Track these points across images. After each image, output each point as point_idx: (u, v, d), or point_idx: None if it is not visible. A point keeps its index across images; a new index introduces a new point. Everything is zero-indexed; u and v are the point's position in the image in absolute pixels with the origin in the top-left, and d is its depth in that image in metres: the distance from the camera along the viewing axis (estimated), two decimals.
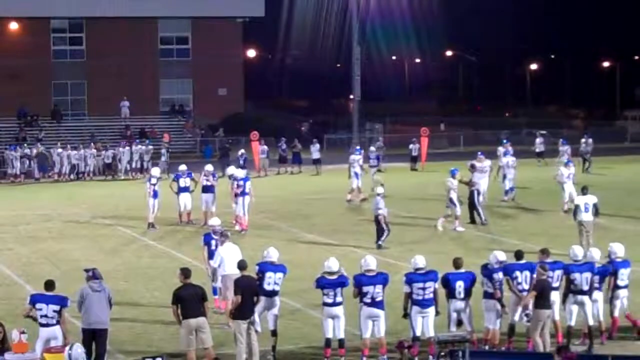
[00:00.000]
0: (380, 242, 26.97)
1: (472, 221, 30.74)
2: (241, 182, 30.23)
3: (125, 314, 19.91)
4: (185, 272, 16.34)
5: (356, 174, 37.81)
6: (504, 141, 45.09)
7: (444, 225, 29.76)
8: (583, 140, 47.94)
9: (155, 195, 31.15)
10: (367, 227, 30.87)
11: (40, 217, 34.63)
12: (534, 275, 16.96)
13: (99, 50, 65.14)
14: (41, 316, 15.36)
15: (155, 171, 32.99)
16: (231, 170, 32.09)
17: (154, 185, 31.27)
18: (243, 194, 30.03)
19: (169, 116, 66.85)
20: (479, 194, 31.29)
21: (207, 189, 30.97)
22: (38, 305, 15.41)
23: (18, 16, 64.22)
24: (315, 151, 50.85)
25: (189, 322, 15.79)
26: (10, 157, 49.08)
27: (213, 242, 20.09)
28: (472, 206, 30.80)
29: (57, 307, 15.39)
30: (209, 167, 31.84)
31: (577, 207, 25.28)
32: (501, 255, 17.05)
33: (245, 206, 30.06)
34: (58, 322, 15.39)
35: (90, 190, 43.82)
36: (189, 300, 15.81)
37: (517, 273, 17.02)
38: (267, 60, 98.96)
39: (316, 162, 50.63)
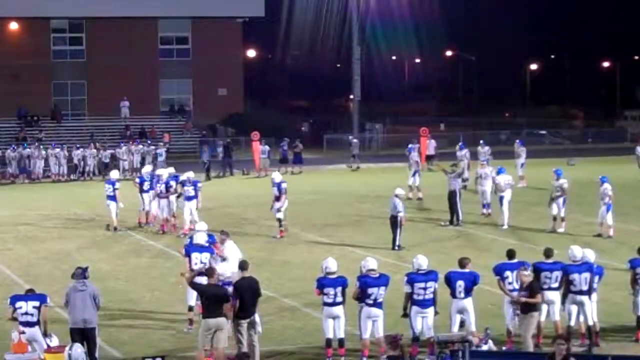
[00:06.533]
0: (398, 244, 26.81)
1: (451, 222, 30.81)
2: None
3: (125, 314, 19.94)
4: (209, 272, 16.39)
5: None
6: (519, 142, 44.82)
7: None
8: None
9: (113, 198, 30.68)
10: (367, 227, 30.92)
11: (40, 217, 34.63)
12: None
13: (99, 50, 65.07)
14: (22, 314, 15.41)
15: (114, 174, 32.68)
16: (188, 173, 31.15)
17: (116, 189, 30.68)
18: (191, 197, 29.67)
19: (169, 116, 66.79)
20: (460, 194, 31.13)
21: (189, 198, 29.91)
22: (18, 304, 15.54)
23: (18, 16, 64.16)
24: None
25: (208, 322, 15.78)
26: (10, 157, 49.17)
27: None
28: (452, 206, 30.82)
29: (36, 303, 15.57)
30: (190, 174, 30.94)
31: None
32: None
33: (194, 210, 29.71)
34: (38, 322, 15.43)
35: (90, 190, 43.79)
36: (211, 300, 15.82)
37: (508, 273, 17.02)
38: (267, 60, 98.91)
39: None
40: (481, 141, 46.96)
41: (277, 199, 29.25)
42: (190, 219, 29.38)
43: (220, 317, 15.81)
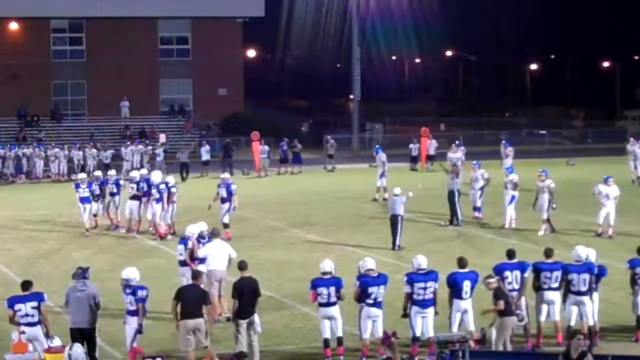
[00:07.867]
0: (398, 244, 26.78)
1: (451, 222, 30.77)
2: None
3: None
4: (194, 273, 16.44)
5: None
6: (505, 143, 44.63)
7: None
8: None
9: (85, 200, 30.58)
10: (367, 226, 30.91)
11: (40, 217, 34.62)
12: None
13: (99, 50, 65.11)
14: (22, 316, 15.39)
15: (82, 176, 32.57)
16: (155, 175, 30.92)
17: (80, 191, 30.65)
18: (157, 200, 29.38)
19: (169, 116, 66.81)
20: (459, 194, 31.12)
21: (156, 200, 29.46)
22: (16, 307, 15.48)
23: (18, 16, 64.22)
24: (204, 153, 50.51)
25: (187, 323, 15.80)
26: (9, 157, 49.22)
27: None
28: (452, 206, 30.79)
29: (35, 304, 15.50)
30: (157, 177, 30.62)
31: None
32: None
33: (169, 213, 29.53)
34: (39, 322, 15.40)
35: None
36: (189, 301, 15.81)
37: (507, 273, 17.02)
38: (267, 60, 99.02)
39: (205, 164, 49.69)
40: (457, 141, 47.18)
41: (224, 200, 28.81)
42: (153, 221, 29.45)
43: (199, 318, 15.83)
